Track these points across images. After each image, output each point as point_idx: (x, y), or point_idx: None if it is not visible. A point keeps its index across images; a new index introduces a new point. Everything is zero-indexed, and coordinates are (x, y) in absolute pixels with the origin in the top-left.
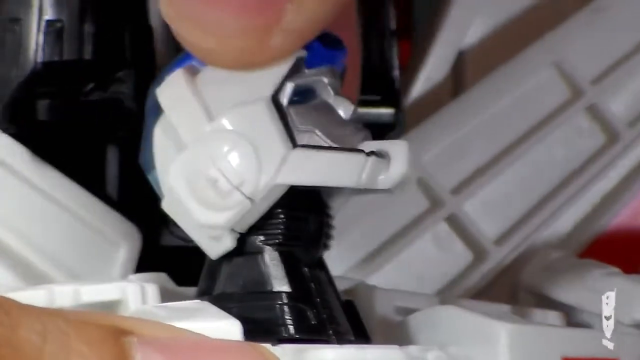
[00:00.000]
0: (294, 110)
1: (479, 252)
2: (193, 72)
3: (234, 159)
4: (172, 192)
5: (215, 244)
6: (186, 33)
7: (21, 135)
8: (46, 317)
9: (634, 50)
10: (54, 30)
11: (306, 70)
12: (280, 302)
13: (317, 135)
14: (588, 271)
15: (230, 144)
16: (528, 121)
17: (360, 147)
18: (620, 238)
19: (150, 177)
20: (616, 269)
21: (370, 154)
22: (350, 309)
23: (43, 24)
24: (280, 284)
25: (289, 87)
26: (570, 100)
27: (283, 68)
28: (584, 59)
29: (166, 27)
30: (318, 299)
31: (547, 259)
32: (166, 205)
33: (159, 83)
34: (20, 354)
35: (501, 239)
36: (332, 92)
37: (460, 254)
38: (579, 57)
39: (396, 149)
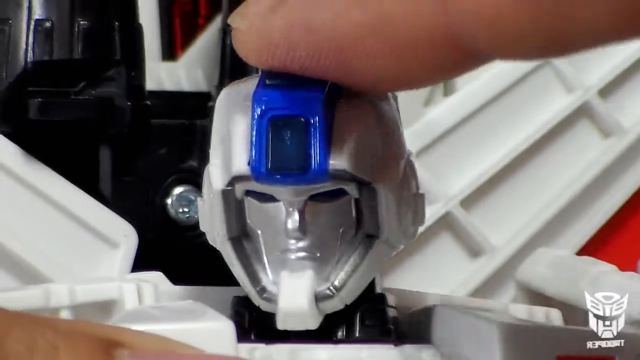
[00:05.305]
0: (250, 205)
1: (476, 251)
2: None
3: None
4: None
5: None
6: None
7: (13, 134)
8: (35, 328)
9: None
10: (43, 30)
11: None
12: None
13: (260, 239)
14: (585, 269)
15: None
16: (526, 122)
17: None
18: (617, 236)
19: None
20: (613, 267)
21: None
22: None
23: (33, 23)
24: None
25: (237, 189)
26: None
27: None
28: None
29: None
30: None
31: (545, 256)
32: None
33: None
34: None
35: (499, 238)
36: (288, 208)
37: (458, 253)
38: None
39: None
